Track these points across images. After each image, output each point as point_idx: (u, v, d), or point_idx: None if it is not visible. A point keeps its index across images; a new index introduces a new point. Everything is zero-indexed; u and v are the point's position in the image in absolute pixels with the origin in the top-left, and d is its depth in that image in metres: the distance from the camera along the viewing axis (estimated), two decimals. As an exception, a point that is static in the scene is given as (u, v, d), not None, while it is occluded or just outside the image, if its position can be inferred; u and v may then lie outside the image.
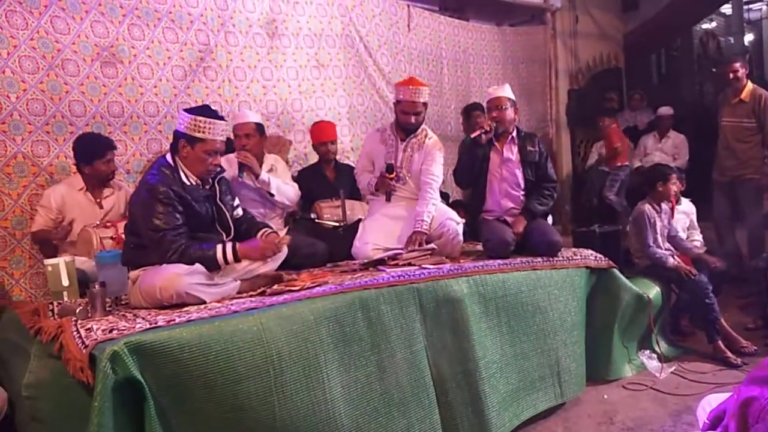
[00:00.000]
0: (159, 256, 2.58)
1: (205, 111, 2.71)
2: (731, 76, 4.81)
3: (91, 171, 3.37)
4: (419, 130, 3.61)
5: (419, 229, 3.34)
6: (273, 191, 3.69)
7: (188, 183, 2.69)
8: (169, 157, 2.73)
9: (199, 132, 2.64)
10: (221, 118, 2.73)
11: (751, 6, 13.56)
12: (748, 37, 13.46)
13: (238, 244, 2.71)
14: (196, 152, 2.66)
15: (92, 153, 3.35)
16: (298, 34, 4.60)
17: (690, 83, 10.47)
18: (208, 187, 2.80)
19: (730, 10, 12.29)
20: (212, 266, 2.63)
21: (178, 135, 2.69)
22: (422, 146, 3.58)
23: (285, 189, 3.80)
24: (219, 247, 2.65)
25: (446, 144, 3.92)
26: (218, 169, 2.80)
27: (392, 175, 3.51)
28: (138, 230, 2.66)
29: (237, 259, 2.69)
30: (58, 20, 3.53)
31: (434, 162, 3.56)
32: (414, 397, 2.58)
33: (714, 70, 10.42)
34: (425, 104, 3.56)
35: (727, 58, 5.01)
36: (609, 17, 7.88)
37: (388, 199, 3.56)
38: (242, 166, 3.51)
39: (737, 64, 4.82)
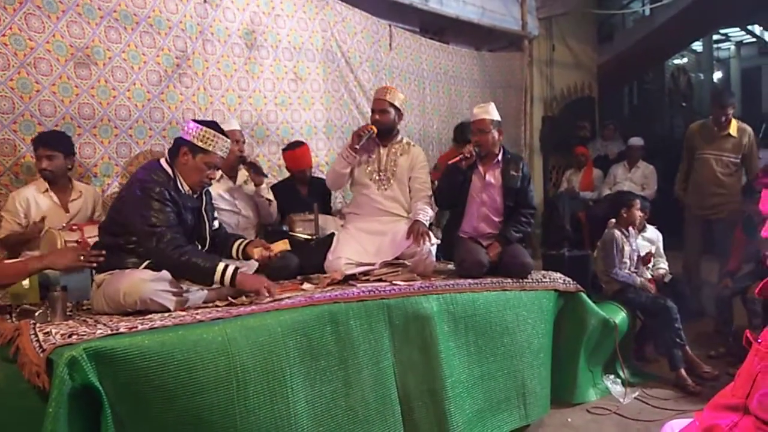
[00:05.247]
0: (157, 253, 2.55)
1: (213, 125, 2.80)
2: (723, 119, 4.85)
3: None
4: (399, 137, 3.62)
5: (419, 219, 3.35)
6: (271, 197, 3.79)
7: (182, 190, 2.72)
8: (163, 162, 2.75)
9: (204, 143, 2.70)
10: (227, 136, 2.82)
11: (720, 45, 14.06)
12: (717, 75, 13.92)
13: (239, 272, 2.62)
14: (197, 162, 2.71)
15: (32, 143, 3.30)
16: (277, 47, 4.60)
17: (660, 116, 10.74)
18: (195, 197, 2.82)
19: (701, 47, 12.73)
20: (204, 280, 2.60)
21: (181, 142, 2.74)
22: (407, 152, 3.58)
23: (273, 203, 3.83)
24: (221, 266, 2.58)
25: (428, 165, 3.89)
26: (212, 182, 2.86)
27: (371, 126, 3.46)
28: (117, 230, 2.64)
29: (232, 284, 2.61)
30: (33, 18, 3.46)
31: (423, 169, 3.60)
32: (379, 414, 2.55)
33: (684, 104, 10.72)
34: (396, 108, 3.54)
35: (719, 98, 5.01)
36: (584, 47, 8.07)
37: (358, 143, 3.42)
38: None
39: (730, 110, 4.86)
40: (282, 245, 2.89)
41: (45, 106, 3.52)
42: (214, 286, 2.65)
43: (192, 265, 2.55)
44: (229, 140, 2.83)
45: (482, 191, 3.51)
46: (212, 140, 2.71)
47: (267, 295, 2.61)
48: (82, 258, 2.43)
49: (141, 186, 2.60)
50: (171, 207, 2.62)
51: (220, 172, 3.58)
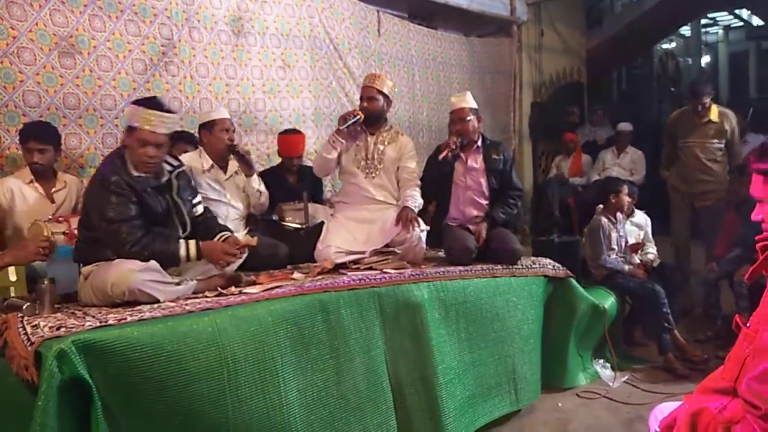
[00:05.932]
0: (115, 249, 2.52)
1: (147, 102, 2.65)
2: (700, 108, 4.81)
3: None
4: (387, 126, 3.60)
5: (408, 205, 3.34)
6: (262, 188, 3.65)
7: (135, 174, 2.61)
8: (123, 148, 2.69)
9: (134, 121, 2.58)
10: (167, 111, 2.63)
11: (708, 29, 14.08)
12: (705, 59, 13.95)
13: (201, 242, 2.66)
14: (131, 141, 2.59)
15: (20, 134, 3.25)
16: (265, 34, 4.55)
17: (649, 101, 10.76)
18: (164, 180, 2.71)
19: (689, 32, 12.75)
20: (172, 262, 2.60)
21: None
22: (395, 140, 3.57)
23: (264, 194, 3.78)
24: (182, 243, 2.62)
25: (418, 152, 3.86)
26: (154, 161, 2.63)
27: (357, 111, 3.43)
28: (92, 223, 2.58)
29: (199, 257, 2.65)
30: (15, 6, 3.41)
31: (412, 159, 3.57)
32: (371, 402, 2.56)
33: (672, 89, 10.74)
34: (385, 95, 3.52)
35: (694, 88, 4.98)
36: (573, 33, 8.04)
37: (343, 125, 3.39)
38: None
39: (705, 98, 4.80)
40: (246, 240, 2.84)
41: (29, 96, 3.48)
42: (185, 264, 2.69)
43: (157, 253, 2.55)
44: (165, 115, 2.60)
45: (465, 175, 3.54)
46: (140, 116, 2.56)
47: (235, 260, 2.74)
48: (41, 251, 2.40)
49: (100, 179, 2.57)
50: (130, 197, 2.55)
51: (211, 162, 3.53)
